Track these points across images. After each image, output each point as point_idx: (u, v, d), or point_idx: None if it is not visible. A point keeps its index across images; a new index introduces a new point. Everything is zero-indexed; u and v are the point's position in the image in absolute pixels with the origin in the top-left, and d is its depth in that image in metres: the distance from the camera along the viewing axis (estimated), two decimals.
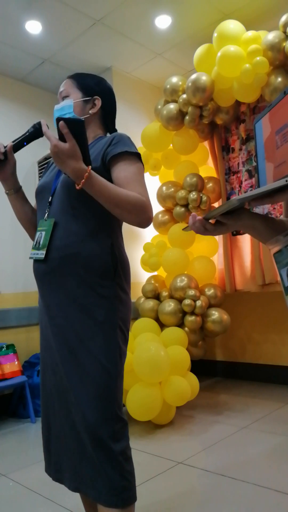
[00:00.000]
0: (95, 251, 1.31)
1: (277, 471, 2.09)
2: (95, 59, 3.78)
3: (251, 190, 3.37)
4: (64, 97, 1.45)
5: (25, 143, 1.40)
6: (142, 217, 1.27)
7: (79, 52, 3.64)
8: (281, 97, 0.99)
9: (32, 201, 1.56)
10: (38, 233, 1.38)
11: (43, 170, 1.62)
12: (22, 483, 2.14)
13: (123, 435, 1.28)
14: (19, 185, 1.48)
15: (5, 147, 1.39)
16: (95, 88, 1.48)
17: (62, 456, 1.34)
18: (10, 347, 3.33)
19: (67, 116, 1.38)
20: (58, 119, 1.15)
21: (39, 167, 3.84)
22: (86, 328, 1.28)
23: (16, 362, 3.28)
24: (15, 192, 1.47)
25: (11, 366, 3.23)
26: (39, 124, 1.39)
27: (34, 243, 1.38)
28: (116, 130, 1.54)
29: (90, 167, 1.19)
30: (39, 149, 3.85)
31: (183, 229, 1.24)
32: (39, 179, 1.61)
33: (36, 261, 1.37)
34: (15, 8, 3.04)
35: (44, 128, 1.22)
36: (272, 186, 0.82)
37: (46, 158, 3.78)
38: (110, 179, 1.32)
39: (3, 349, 3.28)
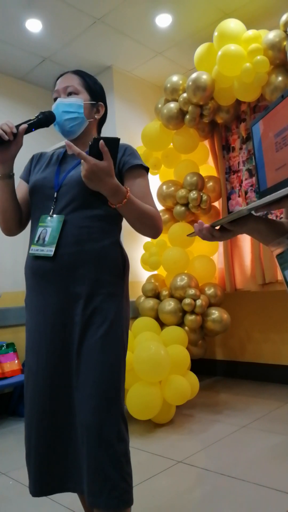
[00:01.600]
0: (106, 248, 1.32)
1: (277, 470, 2.09)
2: (96, 58, 3.78)
3: (252, 189, 3.38)
4: (70, 93, 1.41)
5: (33, 129, 1.38)
6: (157, 230, 1.36)
7: (80, 50, 3.64)
8: (279, 101, 1.00)
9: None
10: (40, 229, 1.34)
11: (30, 162, 1.57)
12: (22, 482, 2.14)
13: (126, 436, 1.27)
14: (13, 171, 1.40)
15: (17, 127, 1.33)
16: (100, 93, 1.49)
17: (60, 461, 1.28)
18: (10, 345, 3.33)
19: (74, 114, 1.39)
20: (97, 139, 1.15)
21: None
22: (95, 328, 1.26)
23: (16, 361, 3.28)
24: (8, 177, 1.39)
25: (11, 364, 3.24)
26: (49, 112, 1.39)
27: (36, 239, 1.34)
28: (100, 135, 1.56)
29: (129, 189, 1.25)
30: (38, 147, 3.85)
31: (188, 235, 1.27)
32: (29, 173, 1.54)
33: (37, 258, 1.32)
34: (15, 6, 3.03)
35: (76, 150, 1.17)
36: (282, 193, 0.83)
37: None
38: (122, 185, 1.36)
39: (3, 348, 3.28)
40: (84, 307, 1.27)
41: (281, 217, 1.19)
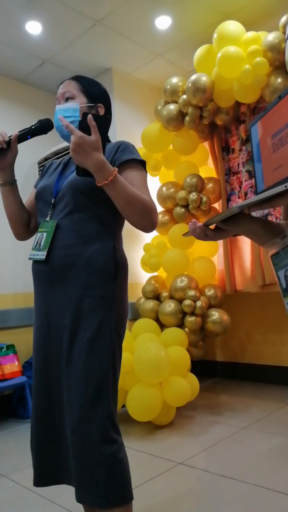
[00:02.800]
0: (98, 252, 1.32)
1: (277, 471, 2.09)
2: (95, 60, 3.78)
3: (251, 190, 3.38)
4: (67, 98, 1.45)
5: (29, 137, 1.40)
6: (148, 220, 1.31)
7: (79, 52, 3.64)
8: (276, 102, 1.00)
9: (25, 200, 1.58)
10: (39, 234, 1.40)
11: (41, 171, 1.64)
12: (22, 484, 2.14)
13: (113, 437, 1.26)
14: (14, 178, 1.47)
15: (9, 136, 1.39)
16: (99, 95, 1.50)
17: (57, 456, 1.34)
18: (10, 347, 3.33)
19: (71, 119, 1.41)
20: (85, 114, 1.17)
21: (39, 167, 3.84)
22: (84, 329, 1.28)
23: (16, 363, 3.28)
24: (10, 184, 1.46)
25: (11, 366, 3.23)
26: (46, 120, 1.42)
27: (35, 244, 1.40)
28: (109, 139, 1.55)
29: (117, 168, 1.23)
30: (39, 149, 3.86)
31: (183, 235, 1.24)
32: (39, 182, 1.61)
33: (36, 262, 1.39)
34: (15, 8, 3.04)
35: (65, 122, 1.20)
36: (272, 192, 0.83)
37: (46, 159, 3.78)
38: None
39: (3, 350, 3.28)
40: (73, 310, 1.30)
41: (281, 219, 1.20)
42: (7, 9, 3.03)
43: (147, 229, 1.34)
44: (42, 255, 1.34)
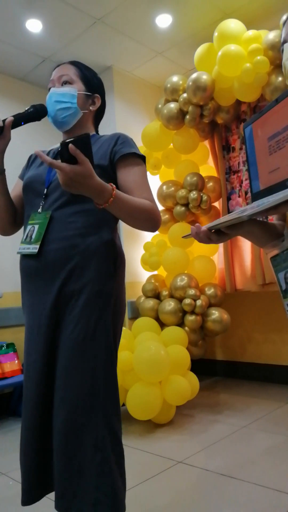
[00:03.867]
0: (95, 245, 1.26)
1: (277, 470, 2.09)
2: (96, 58, 3.78)
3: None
4: (65, 82, 1.37)
5: (22, 123, 1.32)
6: (154, 224, 1.28)
7: (80, 51, 3.64)
8: (273, 105, 1.01)
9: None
10: (29, 227, 1.31)
11: (28, 161, 1.54)
12: None
13: (108, 446, 1.18)
14: (3, 167, 1.36)
15: (3, 121, 1.29)
16: (97, 84, 1.44)
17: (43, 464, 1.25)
18: (10, 346, 3.33)
19: (67, 104, 1.34)
20: (64, 144, 1.04)
21: None
22: (79, 328, 1.22)
23: (16, 361, 3.28)
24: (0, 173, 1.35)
25: (11, 365, 3.24)
26: (40, 105, 1.35)
27: (25, 237, 1.31)
28: (98, 132, 1.49)
29: (114, 186, 1.14)
30: (36, 147, 3.86)
31: (183, 237, 1.23)
32: (25, 172, 1.49)
33: (26, 257, 1.30)
34: (15, 6, 3.03)
35: (47, 159, 1.07)
36: (280, 200, 0.83)
37: None
38: (115, 178, 1.31)
39: (3, 348, 3.28)
40: (69, 307, 1.23)
41: (274, 219, 1.22)
42: (7, 7, 3.03)
43: (151, 231, 1.31)
44: (34, 248, 1.25)
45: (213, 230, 1.09)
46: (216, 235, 1.08)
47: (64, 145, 1.05)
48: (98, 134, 1.49)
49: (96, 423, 1.18)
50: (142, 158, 1.34)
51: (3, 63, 3.72)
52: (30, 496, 1.24)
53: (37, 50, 3.58)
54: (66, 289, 1.24)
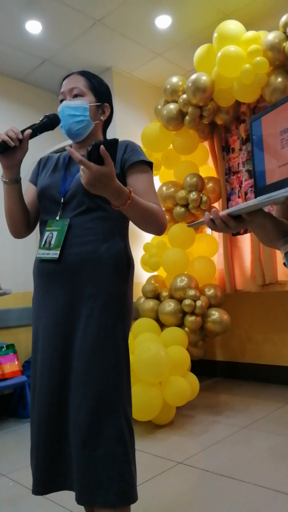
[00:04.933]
0: (111, 250, 1.33)
1: (277, 471, 2.09)
2: (95, 59, 3.78)
3: (251, 190, 3.38)
4: (76, 95, 1.41)
5: (38, 133, 1.37)
6: (161, 228, 1.36)
7: (79, 52, 3.64)
8: (287, 100, 1.00)
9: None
10: (47, 233, 1.37)
11: (38, 165, 1.57)
12: (22, 483, 2.14)
13: (127, 438, 1.26)
14: (20, 176, 1.42)
15: (22, 132, 1.33)
16: (105, 94, 1.48)
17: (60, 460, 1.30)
18: (10, 347, 3.33)
19: (80, 118, 1.39)
20: (96, 144, 1.11)
21: None
22: (97, 328, 1.27)
23: (16, 362, 3.28)
24: (16, 182, 1.40)
25: (11, 366, 3.23)
26: (53, 115, 1.38)
27: (43, 243, 1.37)
28: (106, 137, 1.54)
29: (132, 189, 1.22)
30: (39, 149, 3.86)
31: (188, 225, 1.22)
32: (36, 177, 1.54)
33: (45, 261, 1.35)
34: (15, 8, 3.04)
35: (78, 157, 1.11)
36: None
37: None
38: (125, 184, 1.37)
39: (3, 349, 3.28)
40: (87, 308, 1.29)
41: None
42: (7, 8, 3.03)
43: (158, 234, 1.39)
44: (54, 254, 1.32)
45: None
46: (235, 221, 1.05)
47: (95, 146, 1.11)
48: (106, 138, 1.53)
49: (117, 417, 1.25)
50: (150, 165, 1.42)
51: (3, 64, 3.72)
52: (41, 487, 1.31)
53: (37, 51, 3.58)
54: (84, 291, 1.30)
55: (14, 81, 3.98)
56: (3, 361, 3.22)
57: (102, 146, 1.11)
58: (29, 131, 1.33)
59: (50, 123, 1.38)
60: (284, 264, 1.12)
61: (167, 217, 3.59)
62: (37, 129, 1.36)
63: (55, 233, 1.35)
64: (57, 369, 1.30)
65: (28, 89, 4.07)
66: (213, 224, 1.06)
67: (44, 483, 1.30)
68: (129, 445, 1.26)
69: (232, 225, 1.05)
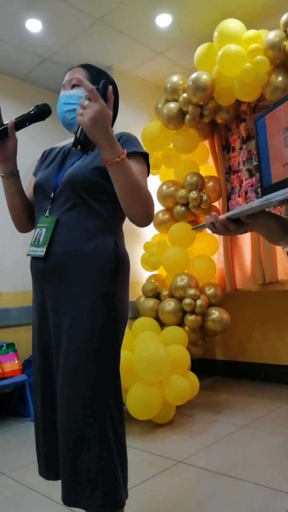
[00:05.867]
0: (99, 248, 1.28)
1: (277, 470, 2.10)
2: (96, 58, 3.78)
3: (252, 189, 3.38)
4: (74, 85, 1.40)
5: (27, 123, 1.34)
6: (147, 213, 1.27)
7: (80, 50, 3.64)
8: None
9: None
10: (37, 230, 1.34)
11: (41, 157, 1.56)
12: (22, 482, 2.15)
13: (112, 442, 1.23)
14: (17, 169, 1.40)
15: (5, 124, 1.31)
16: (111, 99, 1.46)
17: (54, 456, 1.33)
18: (10, 346, 3.33)
19: (75, 106, 1.36)
20: (105, 82, 1.10)
21: None
22: (83, 329, 1.24)
23: (16, 361, 3.28)
24: (13, 176, 1.39)
25: (11, 365, 3.24)
26: (43, 105, 1.36)
27: (33, 240, 1.34)
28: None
29: (125, 151, 1.17)
30: (39, 147, 3.85)
31: (193, 228, 1.21)
32: (38, 169, 1.52)
33: (34, 259, 1.34)
34: (15, 6, 3.03)
35: (89, 86, 1.08)
36: None
37: None
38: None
39: (3, 348, 3.28)
40: (72, 308, 1.26)
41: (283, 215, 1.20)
42: (7, 7, 3.03)
43: (144, 222, 1.29)
44: (41, 251, 1.29)
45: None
46: (234, 225, 1.05)
47: (105, 83, 1.12)
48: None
49: (103, 423, 1.21)
50: (144, 156, 1.36)
51: (3, 63, 3.72)
52: (46, 471, 1.36)
53: (37, 50, 3.58)
54: (71, 291, 1.27)
55: (14, 79, 3.97)
56: (3, 360, 3.22)
57: (110, 87, 1.12)
58: (11, 120, 1.32)
59: (39, 113, 1.35)
60: None
61: (167, 216, 3.60)
62: (25, 120, 1.34)
63: (43, 230, 1.31)
64: (48, 368, 1.32)
65: (28, 87, 4.07)
66: (214, 228, 1.07)
67: (46, 470, 1.35)
68: (115, 450, 1.22)
69: (232, 228, 1.05)
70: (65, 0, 3.02)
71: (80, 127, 1.12)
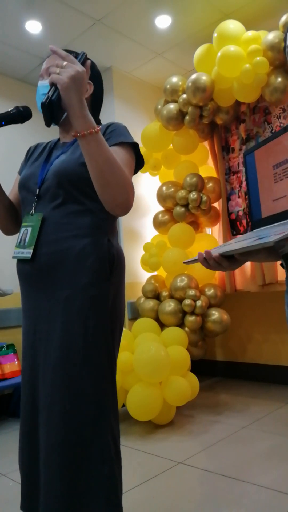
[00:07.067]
0: (90, 247, 1.18)
1: (277, 471, 2.09)
2: (95, 59, 3.71)
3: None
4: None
5: (3, 123, 1.25)
6: (124, 197, 1.14)
7: (79, 51, 3.63)
8: (282, 132, 1.01)
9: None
10: (23, 229, 1.24)
11: (26, 154, 1.47)
12: None
13: (112, 457, 1.14)
14: None
15: None
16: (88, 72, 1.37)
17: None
18: (10, 347, 3.33)
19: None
20: (85, 54, 1.12)
21: None
22: (75, 336, 1.15)
23: (16, 362, 3.28)
24: None
25: (11, 366, 3.23)
26: (23, 107, 1.28)
27: (19, 241, 1.25)
28: (100, 121, 1.41)
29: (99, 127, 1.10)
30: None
31: (184, 262, 1.17)
32: (23, 167, 1.42)
33: (21, 261, 1.24)
34: (15, 8, 3.04)
35: (61, 52, 1.06)
36: None
37: None
38: None
39: (3, 349, 3.28)
40: (62, 313, 1.16)
41: None
42: (7, 8, 3.03)
43: (121, 209, 1.16)
44: (27, 253, 1.19)
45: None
46: (227, 261, 1.03)
47: (83, 53, 1.15)
48: (100, 123, 1.40)
49: (103, 437, 1.13)
50: (132, 145, 1.26)
51: (3, 64, 3.72)
52: (27, 502, 1.22)
53: (37, 51, 3.58)
54: (61, 294, 1.17)
55: (14, 81, 3.97)
56: (3, 361, 3.22)
57: (89, 61, 1.13)
58: None
59: (18, 115, 1.26)
60: (282, 265, 1.11)
61: (166, 216, 3.60)
62: (1, 119, 1.24)
63: (29, 230, 1.21)
64: (36, 381, 1.20)
65: (28, 89, 4.06)
66: (207, 264, 1.05)
67: (30, 496, 1.21)
68: (115, 465, 1.15)
69: (225, 265, 1.04)
70: (65, 2, 3.02)
71: (54, 87, 1.05)
